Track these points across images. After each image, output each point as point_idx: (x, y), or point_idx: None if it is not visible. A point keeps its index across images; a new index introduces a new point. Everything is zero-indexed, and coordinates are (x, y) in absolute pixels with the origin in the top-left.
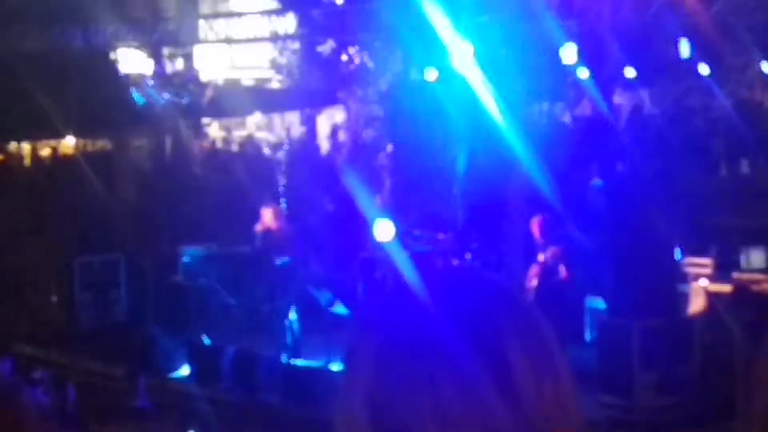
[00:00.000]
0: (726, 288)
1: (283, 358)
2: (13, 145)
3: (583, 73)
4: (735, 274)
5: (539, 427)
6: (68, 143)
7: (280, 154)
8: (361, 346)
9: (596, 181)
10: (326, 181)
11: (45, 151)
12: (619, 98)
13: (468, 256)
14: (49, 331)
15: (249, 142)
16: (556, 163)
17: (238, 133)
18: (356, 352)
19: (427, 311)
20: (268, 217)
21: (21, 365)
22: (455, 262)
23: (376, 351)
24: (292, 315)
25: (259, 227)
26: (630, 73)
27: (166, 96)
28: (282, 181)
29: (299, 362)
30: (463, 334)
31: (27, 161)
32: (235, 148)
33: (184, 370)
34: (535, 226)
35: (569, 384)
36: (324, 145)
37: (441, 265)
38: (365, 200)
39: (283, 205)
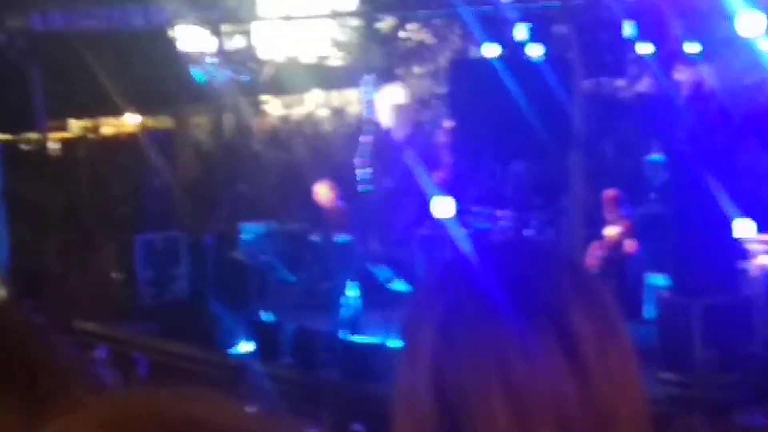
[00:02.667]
0: None
1: (342, 335)
2: (75, 123)
3: (644, 49)
4: None
5: (605, 400)
6: (130, 121)
7: (340, 131)
8: (424, 319)
9: (657, 157)
10: (386, 157)
11: (106, 129)
12: (680, 74)
13: (527, 232)
14: (111, 308)
15: (308, 119)
16: (617, 138)
17: (297, 111)
18: (418, 325)
19: (491, 283)
20: (321, 193)
21: (82, 342)
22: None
23: (439, 324)
24: (351, 292)
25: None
26: (691, 48)
27: (226, 73)
28: (341, 157)
29: (358, 339)
30: (528, 306)
31: (89, 139)
32: (294, 125)
33: (244, 347)
34: (607, 200)
35: (634, 358)
36: (384, 121)
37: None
38: (424, 177)
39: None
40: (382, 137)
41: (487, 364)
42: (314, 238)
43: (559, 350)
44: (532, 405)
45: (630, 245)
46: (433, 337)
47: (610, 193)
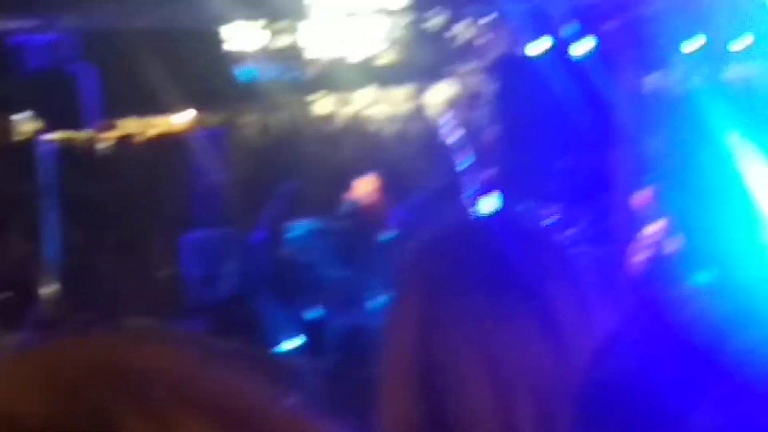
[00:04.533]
0: None
1: None
2: (125, 122)
3: (692, 45)
4: None
5: (580, 366)
6: (179, 120)
7: (388, 130)
8: (414, 276)
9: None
10: (434, 156)
11: (156, 128)
12: (729, 72)
13: (572, 230)
14: (159, 306)
15: (357, 117)
16: (665, 135)
17: (346, 109)
18: (409, 280)
19: (476, 257)
20: (361, 189)
21: None
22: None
23: (428, 282)
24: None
25: (350, 196)
26: (740, 45)
27: (274, 71)
28: (390, 155)
29: None
30: (509, 278)
31: (139, 137)
32: (343, 123)
33: (292, 344)
34: (642, 198)
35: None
36: (432, 120)
37: (492, 215)
38: (472, 175)
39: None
40: (431, 135)
41: (467, 332)
42: (359, 235)
43: (535, 318)
44: (509, 369)
45: (670, 244)
46: (421, 292)
47: (644, 191)
